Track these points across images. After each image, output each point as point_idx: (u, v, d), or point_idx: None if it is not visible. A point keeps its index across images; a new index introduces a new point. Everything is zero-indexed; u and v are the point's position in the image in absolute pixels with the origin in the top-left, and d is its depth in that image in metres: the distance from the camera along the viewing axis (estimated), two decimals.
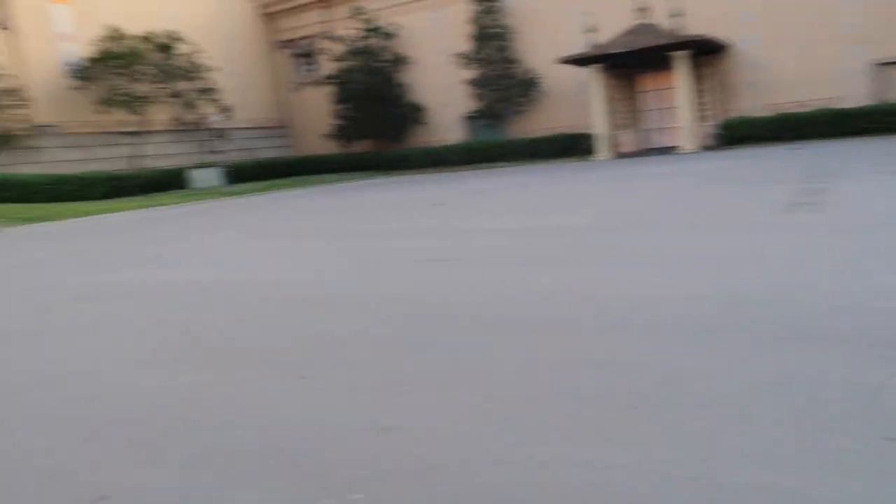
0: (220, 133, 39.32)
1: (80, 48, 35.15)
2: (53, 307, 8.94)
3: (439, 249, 10.75)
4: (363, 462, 3.55)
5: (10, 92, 31.92)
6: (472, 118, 41.00)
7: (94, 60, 34.76)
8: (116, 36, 34.83)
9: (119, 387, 5.32)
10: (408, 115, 42.15)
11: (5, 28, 33.29)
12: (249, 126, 44.45)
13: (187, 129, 39.08)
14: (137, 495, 3.46)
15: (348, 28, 42.59)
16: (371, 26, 41.75)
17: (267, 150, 45.30)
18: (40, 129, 33.87)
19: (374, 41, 41.92)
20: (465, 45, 39.03)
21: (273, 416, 4.35)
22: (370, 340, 5.94)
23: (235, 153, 41.66)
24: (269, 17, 47.43)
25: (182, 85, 36.66)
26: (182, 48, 36.49)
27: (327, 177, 39.01)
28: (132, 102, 34.90)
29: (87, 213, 26.37)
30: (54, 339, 7.16)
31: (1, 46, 32.70)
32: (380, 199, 23.24)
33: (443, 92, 41.15)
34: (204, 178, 36.50)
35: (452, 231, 13.03)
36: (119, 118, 35.37)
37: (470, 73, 39.33)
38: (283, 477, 3.49)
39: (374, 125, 41.89)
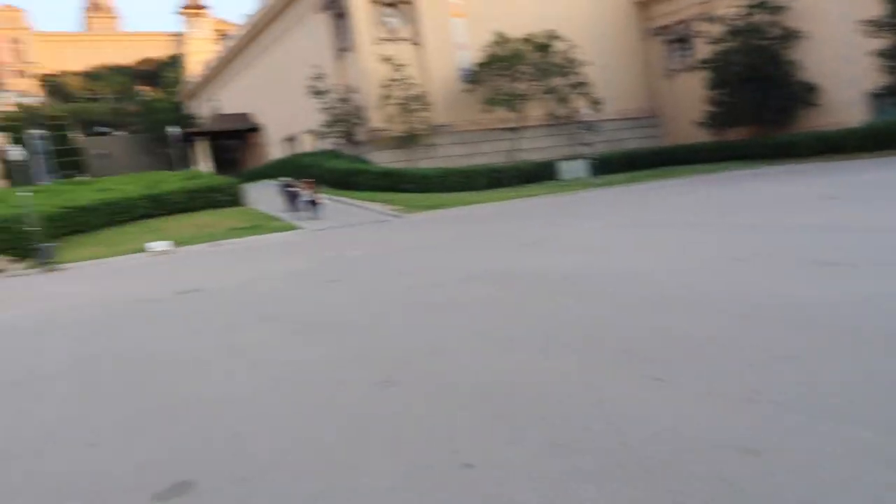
0: (589, 125, 40.32)
1: (472, 55, 39.46)
2: (440, 286, 10.18)
3: (827, 251, 9.31)
4: (725, 484, 3.22)
5: (417, 98, 37.47)
6: (881, 96, 34.61)
7: (481, 65, 38.69)
8: (501, 41, 38.20)
9: (475, 365, 5.79)
10: (797, 96, 37.50)
11: (416, 44, 39.10)
12: (617, 117, 44.70)
13: (559, 124, 41.01)
14: (497, 469, 3.69)
15: (729, 6, 39.64)
16: (756, 2, 38.18)
17: (634, 141, 45.06)
18: (437, 129, 39.06)
19: (758, 17, 38.28)
20: (876, 10, 33.02)
21: (625, 414, 4.25)
22: (736, 347, 5.41)
23: (602, 144, 42.32)
24: (643, 5, 46.83)
25: (556, 81, 38.55)
26: (558, 46, 38.34)
27: (698, 167, 37.07)
28: (512, 101, 37.95)
29: (471, 203, 29.54)
30: (433, 316, 8.14)
31: (412, 60, 38.52)
32: (757, 192, 21.20)
33: (841, 67, 35.65)
34: (571, 169, 37.92)
35: (846, 230, 11.18)
36: (500, 116, 38.80)
37: (881, 43, 33.18)
38: (627, 478, 3.37)
39: (753, 109, 38.35)
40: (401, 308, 8.84)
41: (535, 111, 39.69)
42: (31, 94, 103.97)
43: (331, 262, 15.68)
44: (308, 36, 43.34)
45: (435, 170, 36.05)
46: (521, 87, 38.15)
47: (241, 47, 55.73)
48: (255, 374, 6.30)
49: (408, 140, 37.74)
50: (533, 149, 40.79)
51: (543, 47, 38.13)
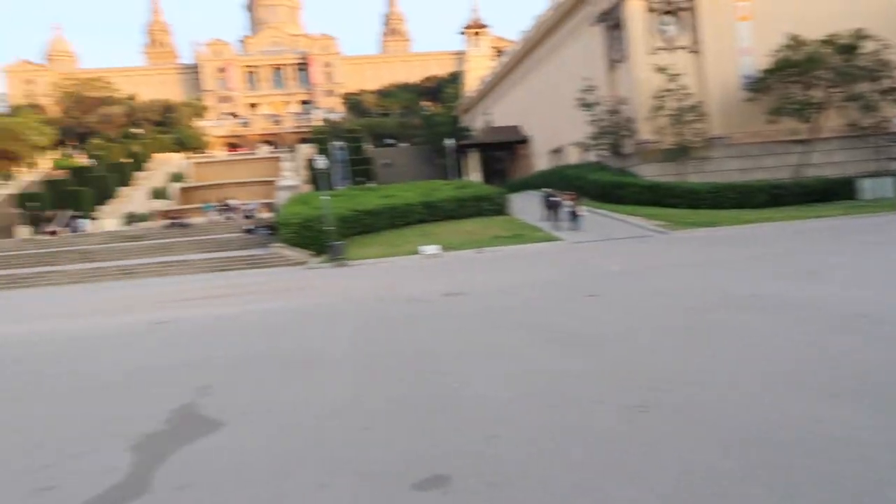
0: None
1: (757, 61, 36.29)
2: (703, 310, 9.48)
3: None
4: None
5: (691, 108, 35.49)
6: None
7: (768, 71, 35.38)
8: (794, 44, 34.54)
9: (740, 401, 5.21)
10: None
11: (693, 52, 37.08)
12: None
13: (862, 135, 35.80)
14: None
15: None
16: None
17: None
18: (711, 141, 36.59)
19: None
20: None
21: None
22: None
23: None
24: None
25: (863, 86, 33.74)
26: (867, 46, 33.54)
27: None
28: (804, 110, 34.10)
29: (745, 221, 27.16)
30: (693, 341, 7.57)
31: (688, 68, 36.59)
32: None
33: None
34: (876, 188, 32.79)
35: None
36: (787, 126, 35.10)
37: None
38: None
39: None
40: (659, 329, 8.41)
41: (832, 121, 35.20)
42: (335, 111, 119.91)
43: (589, 275, 15.54)
44: (580, 49, 43.61)
45: (706, 185, 33.87)
46: (815, 94, 34.15)
47: (514, 63, 58.04)
48: (511, 379, 6.46)
49: (678, 153, 35.91)
50: (825, 164, 36.18)
51: (849, 49, 33.64)
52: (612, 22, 38.67)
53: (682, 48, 37.08)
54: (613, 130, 38.08)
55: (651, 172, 36.45)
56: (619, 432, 4.76)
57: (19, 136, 73.63)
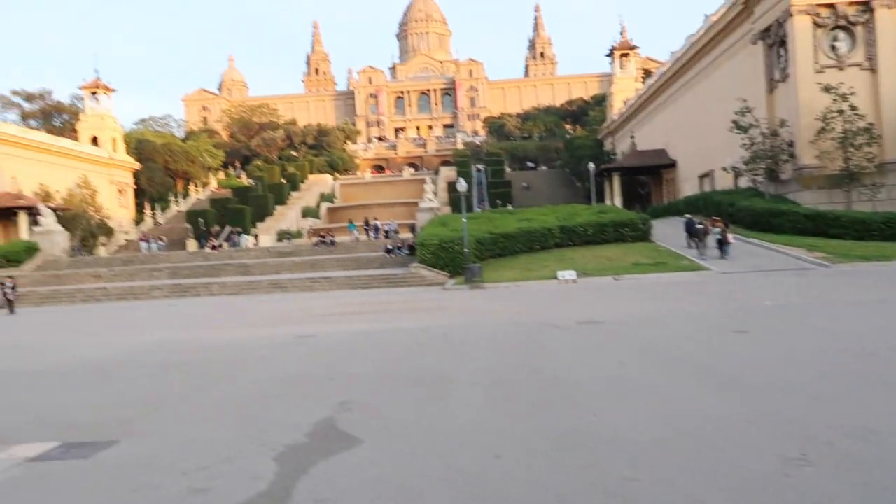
0: None
1: None
2: (872, 353, 8.54)
3: None
4: None
5: (863, 131, 32.39)
6: None
7: None
8: None
9: None
10: None
11: (868, 69, 33.89)
12: None
13: None
14: None
15: None
16: None
17: None
18: (885, 166, 33.20)
19: None
20: None
21: None
22: None
23: None
24: None
25: None
26: None
27: None
28: None
29: None
30: (861, 389, 6.80)
31: (860, 87, 33.43)
32: None
33: None
34: None
35: None
36: None
37: None
38: None
39: None
40: (820, 373, 7.68)
41: None
42: (477, 134, 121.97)
43: (738, 309, 14.56)
44: (735, 69, 41.41)
45: (878, 214, 30.75)
46: None
47: (663, 84, 56.11)
48: (651, 418, 6.14)
49: (844, 179, 32.89)
50: None
51: None
52: (774, 40, 36.36)
53: (855, 65, 34.07)
54: (770, 154, 35.60)
55: (811, 200, 33.63)
56: (773, 486, 4.35)
57: (194, 159, 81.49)
